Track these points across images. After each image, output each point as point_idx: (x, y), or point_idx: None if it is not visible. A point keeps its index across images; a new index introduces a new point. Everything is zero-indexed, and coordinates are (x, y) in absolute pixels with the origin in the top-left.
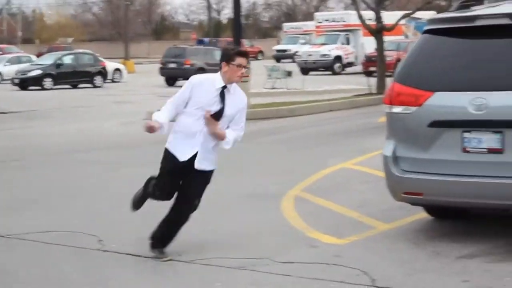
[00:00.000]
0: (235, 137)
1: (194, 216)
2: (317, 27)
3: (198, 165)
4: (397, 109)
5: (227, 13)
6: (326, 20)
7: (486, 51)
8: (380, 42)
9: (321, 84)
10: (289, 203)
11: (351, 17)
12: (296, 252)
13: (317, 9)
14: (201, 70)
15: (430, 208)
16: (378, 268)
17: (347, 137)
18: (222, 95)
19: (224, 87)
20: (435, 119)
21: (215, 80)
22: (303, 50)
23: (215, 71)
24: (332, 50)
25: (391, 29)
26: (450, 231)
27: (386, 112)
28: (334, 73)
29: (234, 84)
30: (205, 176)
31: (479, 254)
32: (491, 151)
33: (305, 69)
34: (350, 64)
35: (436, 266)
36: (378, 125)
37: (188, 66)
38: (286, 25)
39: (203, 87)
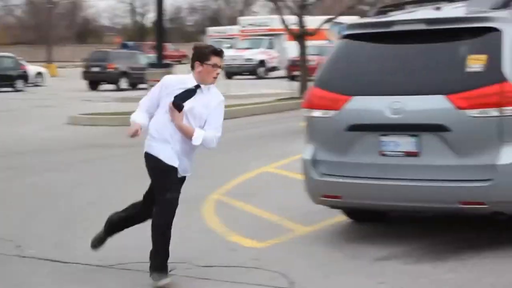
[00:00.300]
0: (209, 136)
1: None
2: (241, 31)
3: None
4: (316, 113)
5: (151, 17)
6: (250, 25)
7: (403, 56)
8: (302, 47)
9: (245, 88)
10: (209, 207)
11: (275, 21)
12: (216, 256)
13: (241, 13)
14: (124, 74)
15: (349, 211)
16: (297, 270)
17: (270, 141)
18: (191, 92)
19: (197, 86)
20: (353, 123)
21: (186, 81)
22: (228, 54)
23: (139, 75)
24: (256, 55)
25: (314, 33)
26: (368, 233)
27: (306, 116)
28: (258, 77)
29: (211, 86)
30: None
31: (396, 256)
32: (407, 154)
33: (229, 73)
34: (274, 69)
35: (353, 268)
36: (300, 129)
37: (112, 70)
38: (211, 29)
39: (174, 88)
